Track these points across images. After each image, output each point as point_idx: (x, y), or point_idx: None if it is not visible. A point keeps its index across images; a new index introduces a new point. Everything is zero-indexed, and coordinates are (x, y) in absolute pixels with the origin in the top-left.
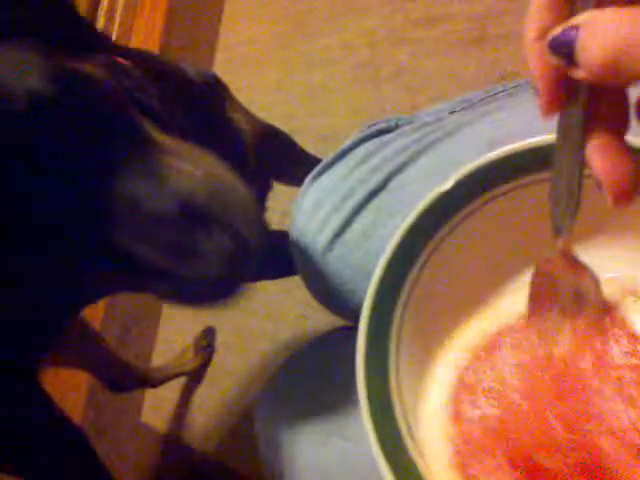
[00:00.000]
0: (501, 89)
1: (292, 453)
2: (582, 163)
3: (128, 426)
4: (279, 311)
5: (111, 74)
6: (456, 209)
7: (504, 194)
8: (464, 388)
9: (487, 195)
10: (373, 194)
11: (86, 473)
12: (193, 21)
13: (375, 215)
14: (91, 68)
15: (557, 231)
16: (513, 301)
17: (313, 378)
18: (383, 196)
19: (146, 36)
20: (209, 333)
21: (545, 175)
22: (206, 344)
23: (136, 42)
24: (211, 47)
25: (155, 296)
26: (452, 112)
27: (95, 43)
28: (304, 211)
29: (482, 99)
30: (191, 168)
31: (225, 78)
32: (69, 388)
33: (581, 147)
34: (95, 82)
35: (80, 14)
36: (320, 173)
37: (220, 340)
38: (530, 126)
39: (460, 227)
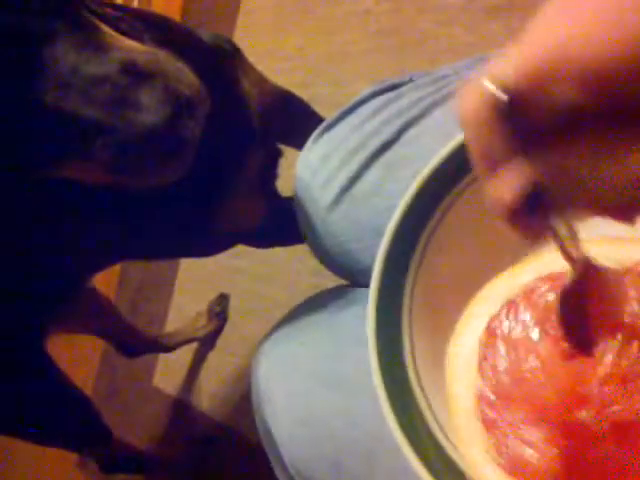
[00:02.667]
0: None
1: (288, 405)
2: None
3: (140, 390)
4: (292, 280)
5: None
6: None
7: None
8: (488, 341)
9: None
10: (385, 147)
11: (90, 436)
12: None
13: (386, 169)
14: None
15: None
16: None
17: (311, 329)
18: (396, 148)
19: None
20: (223, 300)
21: None
22: (219, 310)
23: (157, 7)
24: (232, 12)
25: (106, 170)
26: (469, 68)
27: None
28: (310, 166)
29: None
30: (133, 45)
31: (245, 43)
32: (83, 352)
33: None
34: None
35: None
36: (329, 127)
37: (233, 307)
38: None
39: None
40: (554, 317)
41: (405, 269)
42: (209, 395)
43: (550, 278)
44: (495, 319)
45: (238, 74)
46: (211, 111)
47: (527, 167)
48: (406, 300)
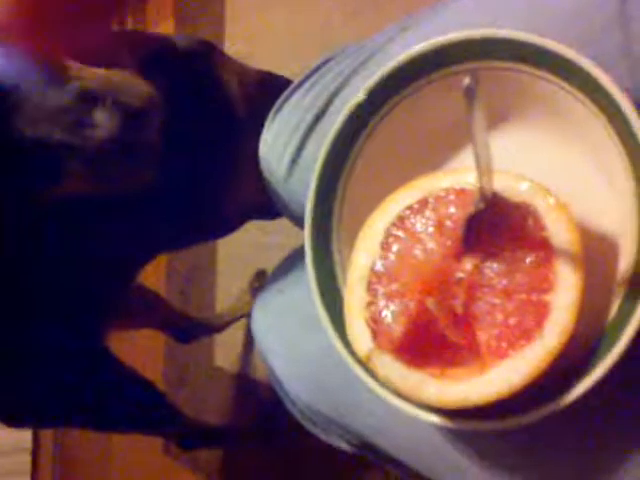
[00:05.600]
0: None
1: (282, 350)
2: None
3: (203, 371)
4: None
5: None
6: (372, 114)
7: (410, 95)
8: (396, 225)
9: (396, 98)
10: (317, 119)
11: (160, 420)
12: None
13: (320, 138)
14: None
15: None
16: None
17: (292, 278)
18: (325, 119)
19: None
20: (260, 276)
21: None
22: (259, 285)
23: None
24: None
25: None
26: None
27: None
28: (267, 144)
29: None
30: (91, 72)
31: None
32: (147, 346)
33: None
34: None
35: None
36: (279, 108)
37: None
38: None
39: (379, 129)
40: (449, 223)
41: (338, 179)
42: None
43: (459, 192)
44: (407, 209)
45: (215, 69)
46: (192, 106)
47: None
48: (338, 199)
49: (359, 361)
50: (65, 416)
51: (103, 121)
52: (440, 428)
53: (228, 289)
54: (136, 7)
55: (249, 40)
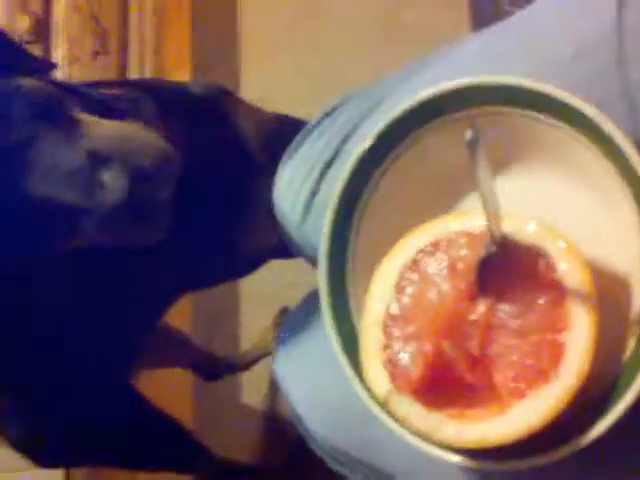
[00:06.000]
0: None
1: (299, 391)
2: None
3: (231, 409)
4: None
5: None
6: (380, 160)
7: (416, 141)
8: (410, 268)
9: (402, 143)
10: (329, 165)
11: (188, 458)
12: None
13: (332, 184)
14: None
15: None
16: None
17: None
18: (336, 165)
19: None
20: (284, 312)
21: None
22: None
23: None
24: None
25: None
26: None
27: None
28: (280, 189)
29: None
30: (101, 131)
31: None
32: (174, 385)
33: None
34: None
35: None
36: (292, 152)
37: None
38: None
39: (387, 174)
40: (462, 266)
41: (350, 223)
42: None
43: (469, 235)
44: (420, 252)
45: (230, 114)
46: (210, 151)
47: None
48: (351, 242)
49: (378, 403)
50: (94, 456)
51: (113, 184)
52: (465, 469)
53: (252, 327)
54: (155, 54)
55: (264, 84)
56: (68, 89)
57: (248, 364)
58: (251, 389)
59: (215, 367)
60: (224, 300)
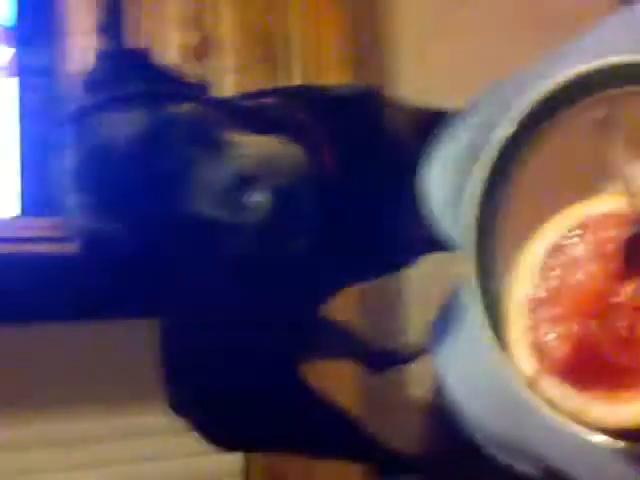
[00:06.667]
0: None
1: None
2: None
3: (398, 401)
4: None
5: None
6: (523, 145)
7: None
8: (556, 250)
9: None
10: (475, 156)
11: (358, 447)
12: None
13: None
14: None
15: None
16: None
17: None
18: (482, 155)
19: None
20: None
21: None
22: None
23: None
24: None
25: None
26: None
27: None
28: (425, 180)
29: None
30: (248, 151)
31: None
32: (342, 377)
33: None
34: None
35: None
36: (438, 142)
37: None
38: None
39: (531, 158)
40: (610, 246)
41: (495, 208)
42: None
43: (617, 216)
44: (567, 235)
45: (379, 113)
46: (361, 150)
47: None
48: (497, 226)
49: (526, 385)
50: (269, 441)
51: (257, 204)
52: (616, 453)
53: (415, 318)
54: (314, 58)
55: (420, 78)
56: (222, 106)
57: (414, 357)
58: (417, 381)
59: (381, 359)
60: (390, 292)
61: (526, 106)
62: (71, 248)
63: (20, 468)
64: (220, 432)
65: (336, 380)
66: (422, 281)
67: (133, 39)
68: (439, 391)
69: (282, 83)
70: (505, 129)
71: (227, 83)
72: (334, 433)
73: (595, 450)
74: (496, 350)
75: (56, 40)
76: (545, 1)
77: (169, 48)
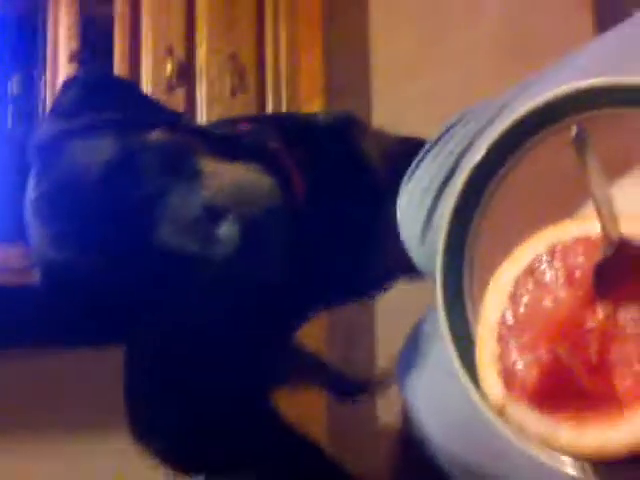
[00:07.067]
0: None
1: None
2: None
3: (366, 428)
4: None
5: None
6: (494, 171)
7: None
8: (525, 276)
9: (517, 154)
10: (446, 181)
11: (321, 473)
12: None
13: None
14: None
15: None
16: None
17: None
18: (453, 181)
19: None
20: None
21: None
22: None
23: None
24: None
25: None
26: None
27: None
28: (401, 208)
29: None
30: (219, 182)
31: None
32: (309, 404)
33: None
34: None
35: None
36: (412, 171)
37: None
38: None
39: (502, 184)
40: (579, 272)
41: (465, 236)
42: None
43: (586, 240)
44: (536, 260)
45: (356, 141)
46: (336, 177)
47: None
48: (467, 254)
49: (494, 411)
50: (233, 468)
51: (226, 237)
52: None
53: (389, 346)
54: (289, 87)
55: (396, 109)
56: (193, 133)
57: (383, 385)
58: (385, 408)
59: (350, 388)
60: (359, 319)
61: (498, 132)
62: (36, 277)
63: None
64: (183, 459)
65: (304, 405)
66: (392, 310)
67: (107, 67)
68: (408, 420)
69: (256, 113)
70: (478, 155)
71: (201, 113)
72: (302, 461)
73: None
74: (463, 377)
75: (30, 68)
76: (524, 35)
77: (143, 77)
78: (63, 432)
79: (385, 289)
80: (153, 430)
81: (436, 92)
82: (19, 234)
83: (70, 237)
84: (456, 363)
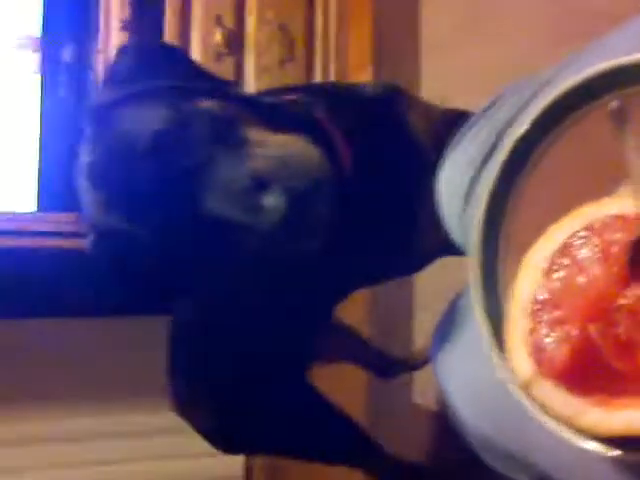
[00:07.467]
0: None
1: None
2: None
3: (403, 408)
4: None
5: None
6: (536, 145)
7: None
8: (561, 253)
9: (559, 128)
10: (488, 155)
11: (360, 454)
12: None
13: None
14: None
15: None
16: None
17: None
18: (495, 156)
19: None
20: None
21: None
22: None
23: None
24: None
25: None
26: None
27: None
28: (442, 182)
29: None
30: (266, 151)
31: None
32: (348, 382)
33: None
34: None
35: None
36: (454, 144)
37: None
38: None
39: (543, 159)
40: (615, 249)
41: (504, 210)
42: None
43: (623, 217)
44: (573, 236)
45: (402, 112)
46: (381, 149)
47: None
48: (504, 229)
49: (520, 387)
50: (271, 445)
51: (272, 206)
52: (611, 461)
53: (426, 326)
54: (338, 57)
55: (445, 81)
56: (245, 102)
57: (421, 363)
58: (423, 388)
59: (389, 365)
60: (399, 298)
61: (541, 106)
62: (87, 244)
63: (19, 465)
64: (223, 435)
65: (343, 385)
66: (432, 287)
67: (157, 36)
68: (443, 398)
69: (304, 83)
70: (520, 129)
71: (249, 83)
72: (339, 439)
73: (587, 458)
74: (493, 352)
75: (80, 37)
76: (578, 13)
77: (192, 46)
78: (102, 404)
79: (426, 266)
80: (197, 404)
81: (485, 65)
82: (71, 202)
83: (120, 202)
84: (486, 337)
